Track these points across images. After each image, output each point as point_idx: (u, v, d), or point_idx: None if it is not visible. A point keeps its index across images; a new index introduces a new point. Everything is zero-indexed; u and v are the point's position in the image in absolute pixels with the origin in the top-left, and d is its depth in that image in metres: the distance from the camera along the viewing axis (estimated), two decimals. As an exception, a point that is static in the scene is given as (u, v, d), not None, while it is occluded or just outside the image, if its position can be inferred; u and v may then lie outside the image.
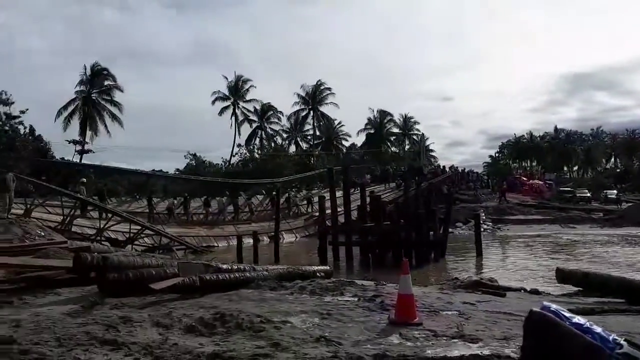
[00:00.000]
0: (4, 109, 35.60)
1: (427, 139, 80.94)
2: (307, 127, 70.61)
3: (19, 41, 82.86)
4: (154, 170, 38.76)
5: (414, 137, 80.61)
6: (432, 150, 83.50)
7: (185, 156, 51.19)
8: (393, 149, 79.57)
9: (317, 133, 70.36)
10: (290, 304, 5.70)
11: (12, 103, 35.81)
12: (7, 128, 35.25)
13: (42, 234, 13.12)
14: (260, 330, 4.52)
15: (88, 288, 6.43)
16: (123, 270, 5.91)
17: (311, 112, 68.63)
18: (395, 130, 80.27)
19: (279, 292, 6.47)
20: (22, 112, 36.05)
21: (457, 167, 65.50)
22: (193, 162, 50.41)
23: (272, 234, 24.16)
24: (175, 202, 29.41)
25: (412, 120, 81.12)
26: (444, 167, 64.41)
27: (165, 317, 5.00)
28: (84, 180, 23.79)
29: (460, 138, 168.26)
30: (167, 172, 42.53)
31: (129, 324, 4.86)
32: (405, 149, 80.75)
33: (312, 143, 69.81)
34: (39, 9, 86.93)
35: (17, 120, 36.02)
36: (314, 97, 67.05)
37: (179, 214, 28.44)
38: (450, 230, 23.48)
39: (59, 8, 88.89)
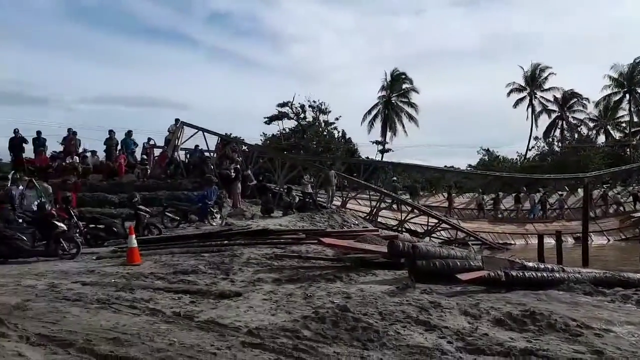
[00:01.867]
0: (323, 117, 42.60)
1: None
2: (622, 113, 60.14)
3: (332, 58, 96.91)
4: (445, 166, 39.71)
5: None
6: None
7: (477, 152, 50.61)
8: None
9: (635, 119, 59.25)
10: (612, 312, 5.08)
11: (329, 112, 42.62)
12: (325, 133, 41.99)
13: (356, 222, 15.15)
14: (577, 334, 4.20)
15: (399, 272, 7.15)
16: (430, 258, 6.34)
17: (627, 95, 58.19)
18: None
19: (595, 297, 5.85)
20: (337, 118, 42.67)
21: None
22: (486, 157, 49.41)
23: (578, 235, 21.66)
24: (485, 197, 29.35)
25: None
26: None
27: (472, 307, 5.16)
28: (395, 178, 26.64)
29: None
30: (459, 167, 42.91)
31: (439, 309, 5.21)
32: None
33: (627, 132, 59.20)
34: (345, 29, 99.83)
35: (332, 126, 42.70)
36: (631, 77, 56.64)
37: (488, 210, 28.30)
38: None
39: (361, 24, 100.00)
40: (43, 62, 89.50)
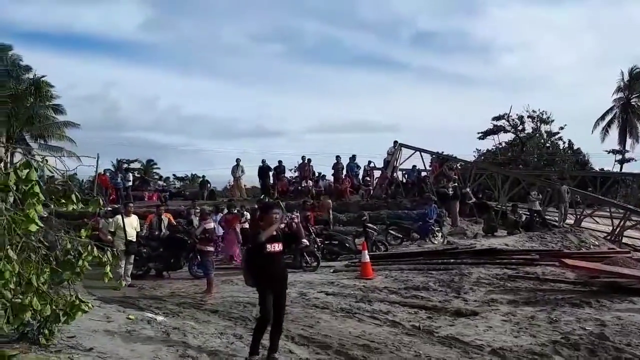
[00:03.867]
0: (545, 127, 39.01)
1: None
2: None
3: (552, 63, 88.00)
4: None
5: None
6: None
7: None
8: None
9: None
10: None
11: (552, 121, 38.85)
12: (548, 145, 38.33)
13: (597, 243, 13.39)
14: None
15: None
16: None
17: None
18: None
19: None
20: (561, 128, 38.62)
21: None
22: None
23: None
24: None
25: None
26: None
27: None
28: None
29: None
30: None
31: None
32: None
33: None
34: (565, 28, 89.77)
35: (556, 137, 38.77)
36: None
37: None
38: None
39: (586, 21, 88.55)
40: (275, 98, 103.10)
